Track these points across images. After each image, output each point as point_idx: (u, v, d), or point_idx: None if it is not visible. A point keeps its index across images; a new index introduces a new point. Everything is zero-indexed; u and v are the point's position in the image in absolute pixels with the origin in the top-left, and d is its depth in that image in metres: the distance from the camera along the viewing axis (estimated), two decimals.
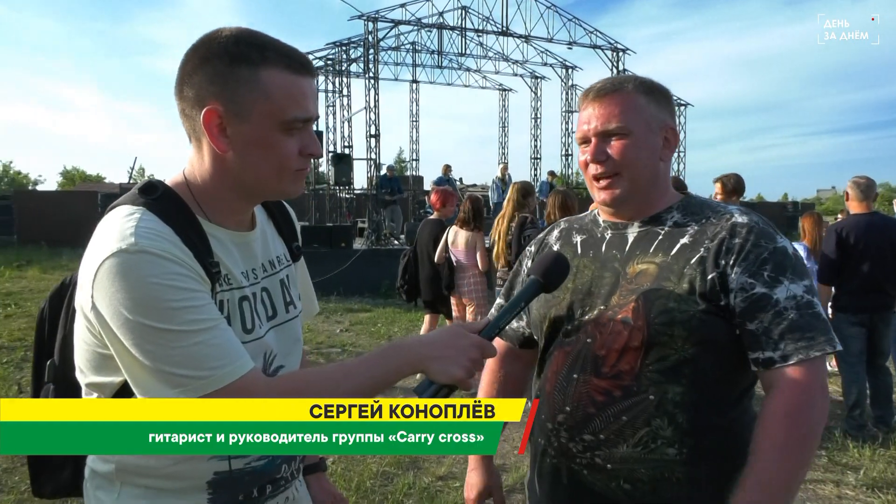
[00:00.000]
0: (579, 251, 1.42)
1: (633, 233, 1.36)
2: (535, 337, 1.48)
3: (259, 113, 1.06)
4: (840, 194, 4.93)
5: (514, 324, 1.55)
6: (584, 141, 1.35)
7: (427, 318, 6.17)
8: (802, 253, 6.15)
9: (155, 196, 1.09)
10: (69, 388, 1.18)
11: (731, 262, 1.22)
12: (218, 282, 1.09)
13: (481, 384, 1.60)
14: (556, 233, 1.54)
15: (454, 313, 5.98)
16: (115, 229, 1.02)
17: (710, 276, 1.22)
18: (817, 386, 1.17)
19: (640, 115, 1.30)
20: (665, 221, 1.34)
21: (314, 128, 1.16)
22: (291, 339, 1.27)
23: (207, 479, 1.13)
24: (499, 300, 1.60)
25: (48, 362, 1.23)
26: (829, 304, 4.72)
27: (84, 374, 1.11)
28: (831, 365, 5.87)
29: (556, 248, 1.48)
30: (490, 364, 1.60)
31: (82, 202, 20.41)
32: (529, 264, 1.54)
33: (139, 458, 1.11)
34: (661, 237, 1.32)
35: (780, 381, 1.17)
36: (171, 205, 1.09)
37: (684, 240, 1.29)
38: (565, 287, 1.35)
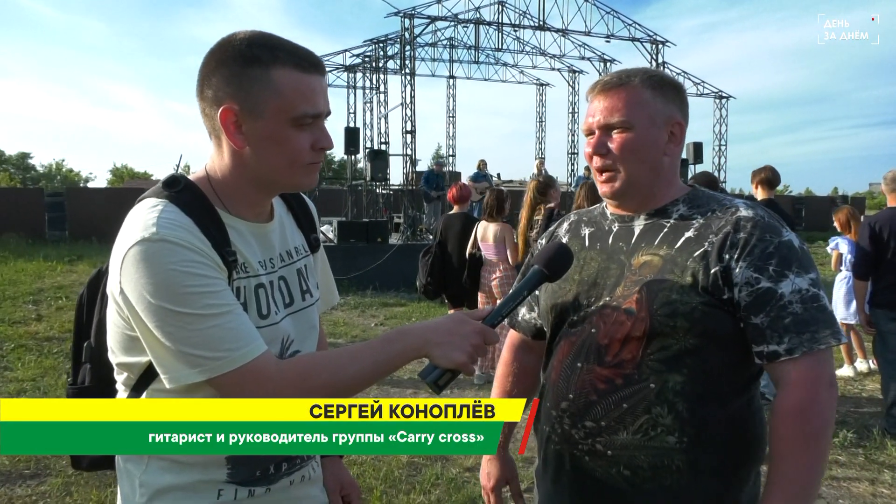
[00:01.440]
0: (587, 244, 1.45)
1: (639, 225, 1.38)
2: (545, 328, 1.52)
3: (272, 110, 1.13)
4: (883, 184, 4.78)
5: (527, 315, 1.59)
6: (590, 133, 1.37)
7: (452, 313, 6.19)
8: (847, 247, 5.98)
9: (177, 189, 1.17)
10: (103, 368, 1.27)
11: (736, 257, 1.23)
12: (235, 270, 1.16)
13: (496, 375, 1.64)
14: (565, 225, 1.56)
15: (479, 307, 6.01)
16: (140, 220, 1.11)
17: (713, 271, 1.23)
18: (824, 380, 1.18)
19: (644, 109, 1.32)
20: (671, 214, 1.35)
21: (324, 123, 1.21)
22: (307, 326, 1.34)
23: (227, 454, 1.19)
24: (512, 290, 1.64)
25: (85, 344, 1.32)
26: (866, 300, 4.60)
27: (115, 355, 1.20)
28: (873, 363, 5.71)
29: (564, 240, 1.51)
30: (504, 355, 1.64)
31: (131, 199, 20.73)
32: None
33: None
34: (666, 230, 1.34)
35: (786, 376, 1.19)
36: (191, 197, 1.16)
37: (689, 233, 1.30)
38: (572, 279, 1.39)
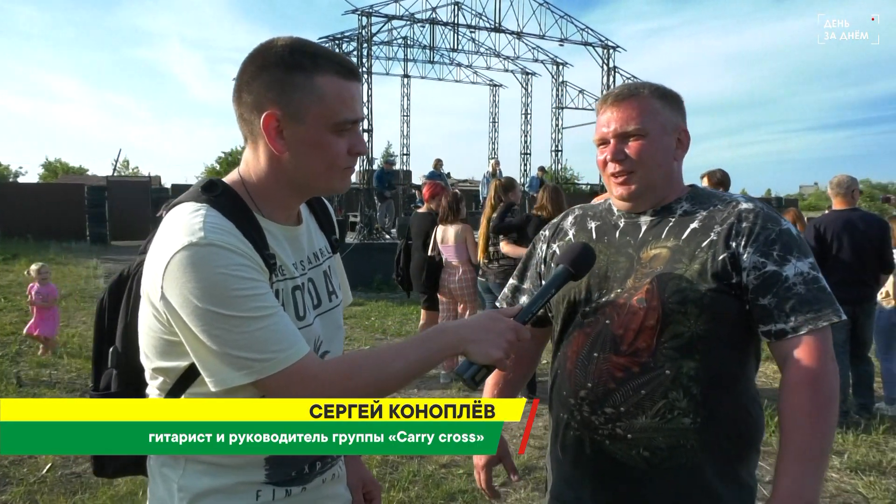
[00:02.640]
0: (594, 237, 1.52)
1: (645, 221, 1.47)
2: (551, 316, 1.58)
3: (314, 116, 1.15)
4: (822, 190, 5.19)
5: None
6: (603, 142, 1.45)
7: (424, 313, 6.20)
8: None
9: (216, 193, 1.17)
10: (131, 373, 1.25)
11: (743, 244, 1.33)
12: (274, 272, 1.18)
13: None
14: (570, 219, 1.64)
15: (441, 309, 6.05)
16: (184, 224, 1.10)
17: (721, 258, 1.33)
18: (828, 353, 1.28)
19: (656, 118, 1.41)
20: (675, 210, 1.45)
21: (359, 128, 1.25)
22: (334, 326, 1.36)
23: (266, 455, 1.20)
24: (512, 280, 1.71)
25: (111, 349, 1.29)
26: None
27: (150, 360, 1.19)
28: None
29: (571, 232, 1.59)
30: None
31: (69, 194, 20.25)
32: (545, 248, 1.64)
33: None
34: (671, 224, 1.43)
35: (794, 351, 1.28)
36: (230, 201, 1.17)
37: (694, 224, 1.40)
38: None
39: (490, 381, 1.64)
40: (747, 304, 1.33)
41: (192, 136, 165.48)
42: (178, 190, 21.35)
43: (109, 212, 19.88)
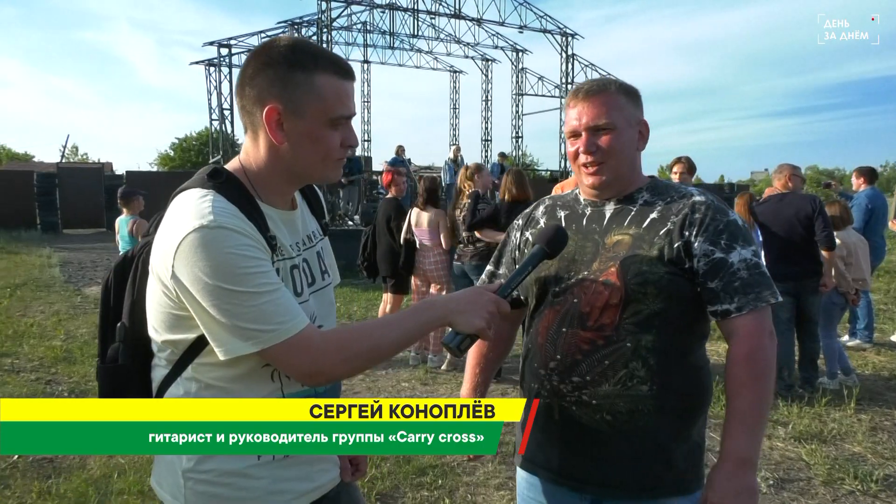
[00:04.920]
0: (563, 224, 1.66)
1: (609, 209, 1.61)
2: (523, 298, 1.72)
3: (312, 111, 1.25)
4: (771, 175, 5.60)
5: None
6: (574, 135, 1.59)
7: (388, 297, 6.30)
8: None
9: (221, 180, 1.27)
10: (138, 346, 1.34)
11: (694, 233, 1.49)
12: (275, 252, 1.28)
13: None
14: (541, 208, 1.77)
15: (412, 292, 6.20)
16: (193, 209, 1.20)
17: (675, 245, 1.49)
18: (766, 330, 1.46)
19: (622, 112, 1.55)
20: (636, 200, 1.60)
21: (351, 123, 1.35)
22: (327, 303, 1.47)
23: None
24: (489, 267, 1.84)
25: (118, 324, 1.38)
26: None
27: (158, 333, 1.29)
28: None
29: (542, 220, 1.72)
30: None
31: (17, 182, 19.58)
32: (518, 235, 1.77)
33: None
34: (633, 213, 1.58)
35: (736, 329, 1.46)
36: (234, 188, 1.27)
37: (653, 215, 1.55)
38: None
39: (471, 361, 1.78)
40: (698, 286, 1.49)
41: (142, 121, 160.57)
42: (133, 177, 20.62)
43: (60, 199, 19.33)
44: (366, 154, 21.46)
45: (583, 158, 1.57)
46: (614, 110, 1.54)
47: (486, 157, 20.72)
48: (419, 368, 5.80)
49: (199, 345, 1.25)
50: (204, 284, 1.16)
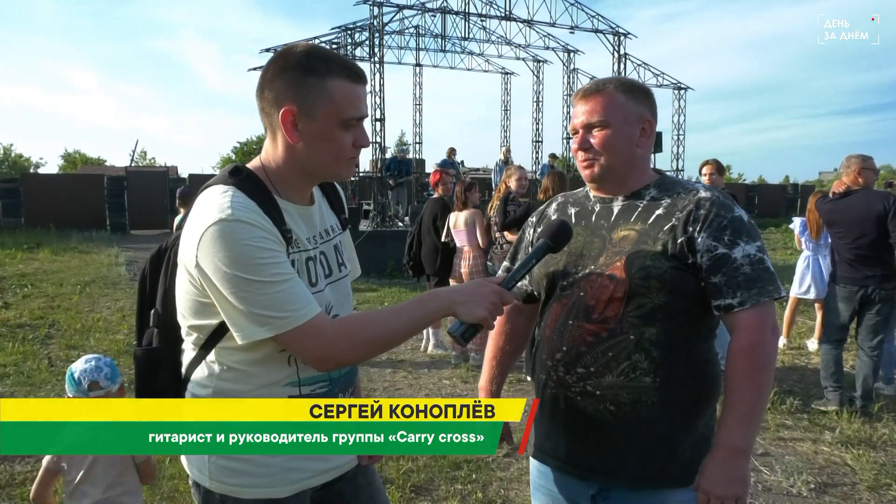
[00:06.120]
0: (573, 220, 1.71)
1: (617, 205, 1.65)
2: (536, 293, 1.78)
3: (324, 113, 1.35)
4: (839, 170, 4.97)
5: (520, 283, 1.85)
6: (574, 132, 1.66)
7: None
8: (799, 227, 6.40)
9: (241, 178, 1.38)
10: (170, 330, 1.47)
11: (698, 229, 1.51)
12: (290, 245, 1.38)
13: (491, 335, 1.88)
14: (553, 206, 1.83)
15: None
16: (215, 203, 1.31)
17: (679, 241, 1.52)
18: (768, 325, 1.48)
19: (619, 110, 1.59)
20: (644, 196, 1.63)
21: (363, 124, 1.45)
22: (343, 293, 1.57)
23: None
24: (505, 263, 1.90)
25: (152, 311, 1.51)
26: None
27: (185, 318, 1.41)
28: (812, 341, 6.18)
29: (553, 217, 1.77)
30: (498, 318, 1.90)
31: (89, 185, 20.62)
32: (532, 232, 1.83)
33: (231, 383, 1.37)
34: (640, 209, 1.61)
35: (738, 323, 1.48)
36: (253, 184, 1.38)
37: (659, 211, 1.58)
38: (562, 250, 1.65)
39: (489, 354, 1.86)
40: (702, 281, 1.51)
41: (206, 125, 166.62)
42: (196, 179, 21.32)
43: (129, 201, 20.30)
44: (418, 156, 21.70)
45: (578, 155, 1.64)
46: (609, 108, 1.59)
47: (538, 158, 20.65)
48: (461, 367, 5.88)
49: (221, 330, 1.36)
50: (223, 273, 1.27)
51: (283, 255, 1.34)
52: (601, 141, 1.59)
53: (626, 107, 1.60)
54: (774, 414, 4.54)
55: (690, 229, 1.52)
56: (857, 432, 4.21)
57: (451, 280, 6.21)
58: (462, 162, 18.03)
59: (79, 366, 2.15)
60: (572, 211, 1.74)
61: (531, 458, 1.79)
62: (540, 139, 21.09)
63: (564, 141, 19.65)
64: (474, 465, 3.75)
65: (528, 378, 5.17)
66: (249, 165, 1.45)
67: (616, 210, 1.65)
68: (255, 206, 1.33)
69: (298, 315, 1.29)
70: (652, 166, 1.74)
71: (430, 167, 20.15)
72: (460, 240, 5.99)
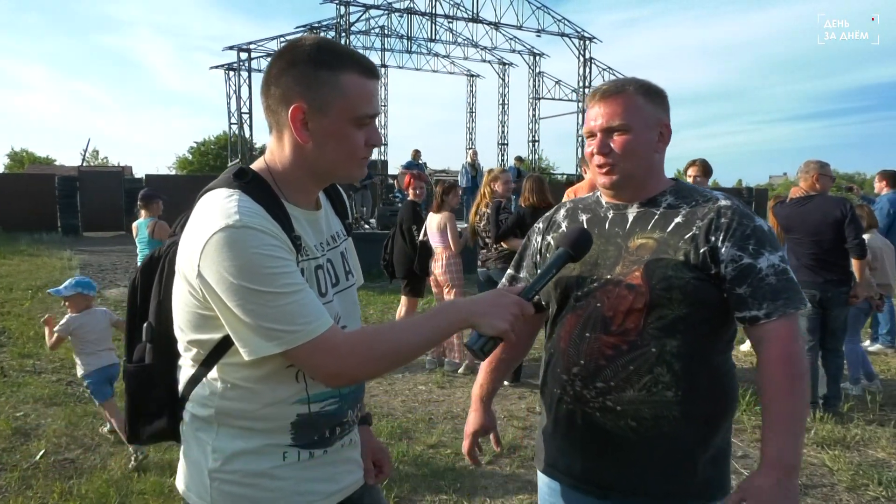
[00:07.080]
0: (585, 228, 1.64)
1: (632, 213, 1.59)
2: (544, 303, 1.70)
3: (337, 110, 1.25)
4: (791, 180, 5.12)
5: None
6: (591, 135, 1.58)
7: (405, 300, 6.28)
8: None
9: (246, 180, 1.27)
10: (165, 345, 1.35)
11: (721, 238, 1.46)
12: (300, 253, 1.28)
13: None
14: (562, 212, 1.75)
15: (434, 295, 6.21)
16: (220, 208, 1.20)
17: (702, 250, 1.46)
18: (796, 335, 1.44)
19: (639, 114, 1.53)
20: (660, 203, 1.57)
21: (375, 122, 1.35)
22: (351, 303, 1.47)
23: (291, 420, 1.30)
24: (510, 271, 1.82)
25: (144, 325, 1.39)
26: None
27: (185, 333, 1.29)
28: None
29: (564, 224, 1.70)
30: None
31: (39, 185, 19.87)
32: (540, 239, 1.76)
33: (235, 402, 1.28)
34: (657, 217, 1.55)
35: (766, 334, 1.43)
36: (259, 188, 1.27)
37: (678, 219, 1.53)
38: None
39: (484, 362, 1.76)
40: (725, 292, 1.46)
41: (162, 125, 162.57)
42: (152, 180, 20.84)
43: (81, 202, 19.59)
44: (382, 158, 21.53)
45: (597, 160, 1.56)
46: (630, 111, 1.52)
47: (503, 160, 20.71)
48: (436, 372, 5.79)
49: (225, 345, 1.25)
50: (229, 284, 1.16)
51: (293, 265, 1.23)
52: (622, 146, 1.52)
53: (645, 110, 1.54)
54: (751, 416, 4.58)
55: (713, 239, 1.47)
56: (830, 433, 4.28)
57: (430, 280, 6.11)
58: (426, 164, 17.93)
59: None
60: (583, 217, 1.67)
61: (540, 474, 1.72)
62: (506, 142, 21.20)
63: (530, 144, 19.77)
64: (456, 474, 3.67)
65: (506, 382, 5.12)
66: (253, 167, 1.34)
67: (631, 217, 1.59)
68: (263, 212, 1.22)
69: (310, 329, 1.19)
70: None
71: (392, 169, 20.03)
72: (434, 241, 5.91)
